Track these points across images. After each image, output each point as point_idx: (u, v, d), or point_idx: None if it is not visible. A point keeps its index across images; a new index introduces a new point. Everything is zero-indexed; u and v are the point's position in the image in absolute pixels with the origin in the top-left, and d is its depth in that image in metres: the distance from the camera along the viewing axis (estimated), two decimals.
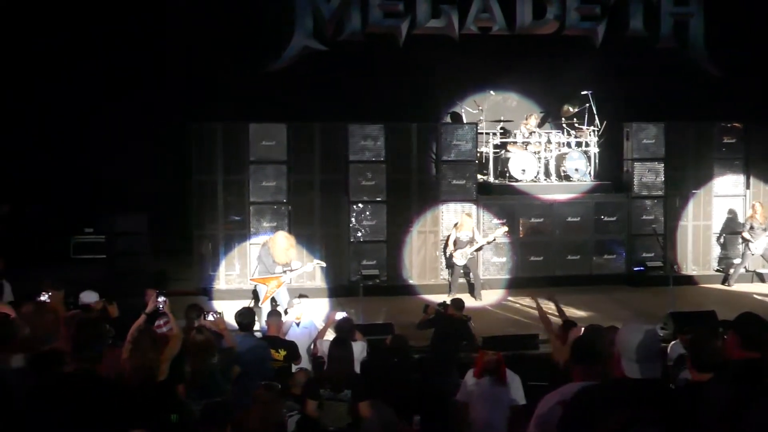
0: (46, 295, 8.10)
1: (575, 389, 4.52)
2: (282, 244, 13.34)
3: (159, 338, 6.95)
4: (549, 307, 10.80)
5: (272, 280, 13.20)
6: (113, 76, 16.92)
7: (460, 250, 15.42)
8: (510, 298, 15.90)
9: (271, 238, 13.77)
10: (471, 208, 16.30)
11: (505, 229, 16.11)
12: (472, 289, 15.86)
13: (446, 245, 15.83)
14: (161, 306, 8.60)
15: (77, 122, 16.99)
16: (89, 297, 9.89)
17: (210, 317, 8.69)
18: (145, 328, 7.47)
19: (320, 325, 11.07)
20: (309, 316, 11.27)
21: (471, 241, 15.49)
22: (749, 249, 16.57)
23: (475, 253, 15.70)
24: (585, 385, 4.52)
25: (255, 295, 13.71)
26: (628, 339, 4.23)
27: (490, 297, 15.87)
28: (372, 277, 15.93)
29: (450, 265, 15.81)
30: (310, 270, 14.59)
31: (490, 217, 16.58)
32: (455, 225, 15.81)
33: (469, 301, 14.38)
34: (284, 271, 13.45)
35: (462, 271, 15.78)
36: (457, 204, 16.44)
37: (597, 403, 4.14)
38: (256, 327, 10.87)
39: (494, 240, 16.09)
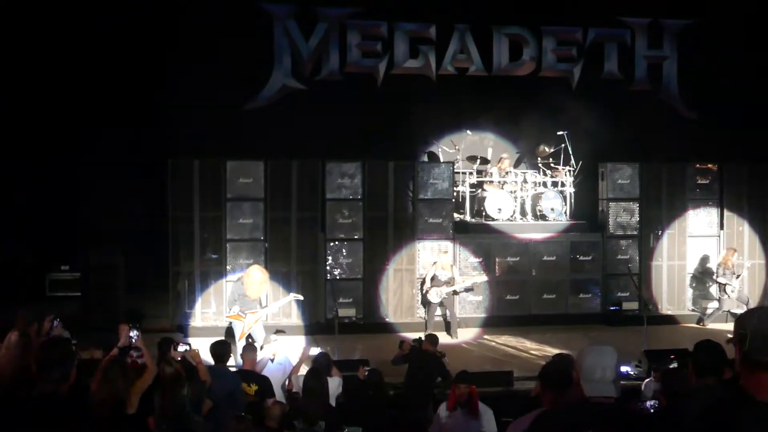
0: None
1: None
2: (256, 277, 13.25)
3: (129, 368, 6.91)
4: (525, 345, 10.83)
5: (248, 316, 13.11)
6: (90, 111, 16.93)
7: (436, 288, 15.43)
8: (486, 337, 15.92)
9: (245, 272, 13.72)
10: (447, 246, 16.34)
11: (485, 278, 16.15)
12: (448, 327, 15.84)
13: (423, 282, 15.85)
14: (134, 340, 8.55)
15: (53, 157, 16.96)
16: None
17: (180, 348, 8.64)
18: (115, 359, 7.43)
19: (295, 361, 11.05)
20: (284, 352, 11.23)
21: (449, 281, 15.51)
22: (726, 292, 16.70)
23: (450, 293, 15.70)
24: (545, 409, 4.55)
25: (230, 332, 13.62)
26: (586, 360, 4.27)
27: (465, 335, 15.87)
28: (348, 315, 15.91)
29: (425, 302, 15.80)
30: (287, 303, 14.55)
31: (467, 255, 16.64)
32: (434, 263, 15.82)
33: (445, 339, 14.39)
34: (261, 307, 13.42)
35: (438, 309, 15.78)
36: (434, 242, 16.49)
37: (555, 426, 4.16)
38: (232, 362, 10.86)
39: (472, 287, 16.16)
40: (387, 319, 16.35)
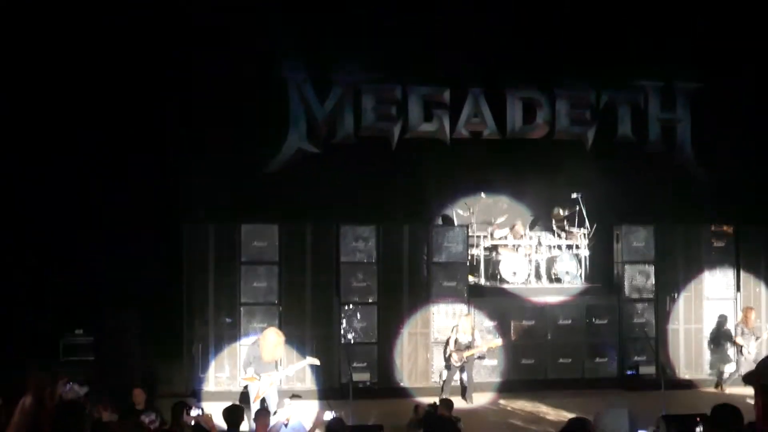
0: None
1: None
2: (272, 340, 13.19)
3: (145, 427, 6.90)
4: (541, 410, 10.65)
5: (263, 378, 13.02)
6: (103, 176, 16.93)
7: (458, 353, 15.34)
8: (501, 401, 15.77)
9: (261, 335, 13.67)
10: (462, 310, 16.28)
11: (500, 342, 15.99)
12: (463, 392, 15.69)
13: (446, 345, 15.73)
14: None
15: (67, 219, 16.94)
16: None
17: (193, 412, 8.59)
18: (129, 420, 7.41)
19: (309, 425, 10.96)
20: (297, 417, 11.14)
21: (470, 345, 15.41)
22: (742, 354, 16.57)
23: (472, 357, 15.56)
24: None
25: (245, 397, 13.53)
26: (602, 422, 4.24)
27: (481, 399, 15.74)
28: (363, 380, 15.80)
29: (448, 366, 15.67)
30: (303, 367, 14.47)
31: (482, 318, 16.55)
32: (455, 326, 15.73)
33: (460, 404, 14.25)
34: (277, 370, 13.33)
35: (457, 373, 15.64)
36: (449, 306, 16.44)
37: None
38: (245, 426, 10.76)
39: (490, 350, 16.00)
40: (401, 384, 16.23)
